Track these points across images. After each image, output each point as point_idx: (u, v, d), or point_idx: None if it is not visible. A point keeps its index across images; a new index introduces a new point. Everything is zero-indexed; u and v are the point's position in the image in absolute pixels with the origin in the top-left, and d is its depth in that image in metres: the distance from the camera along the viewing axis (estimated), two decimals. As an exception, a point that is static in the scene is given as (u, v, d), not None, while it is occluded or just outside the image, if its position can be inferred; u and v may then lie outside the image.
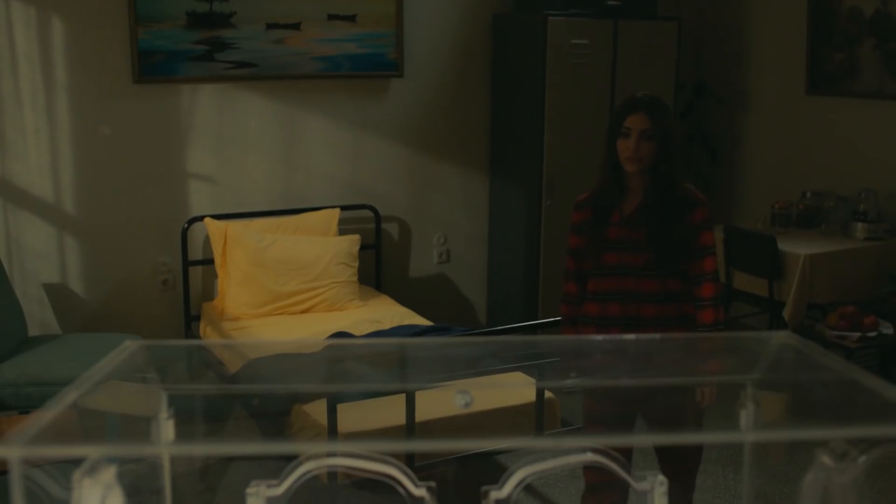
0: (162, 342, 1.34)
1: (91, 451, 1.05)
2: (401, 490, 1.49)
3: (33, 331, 4.60)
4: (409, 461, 2.76)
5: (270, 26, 5.02)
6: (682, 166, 2.96)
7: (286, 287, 4.77)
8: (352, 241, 5.01)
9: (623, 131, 2.86)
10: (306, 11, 5.09)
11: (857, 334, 4.44)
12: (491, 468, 3.40)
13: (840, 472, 1.26)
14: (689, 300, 2.98)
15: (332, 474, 2.58)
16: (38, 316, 4.76)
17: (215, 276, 4.97)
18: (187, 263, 4.97)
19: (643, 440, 0.97)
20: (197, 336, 4.88)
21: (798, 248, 4.80)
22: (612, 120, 2.94)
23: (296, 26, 5.08)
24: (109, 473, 1.23)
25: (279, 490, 1.48)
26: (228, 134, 5.06)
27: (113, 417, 1.47)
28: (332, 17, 5.16)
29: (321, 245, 4.91)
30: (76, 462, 1.21)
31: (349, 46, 5.23)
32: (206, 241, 5.00)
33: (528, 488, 3.70)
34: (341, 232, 5.13)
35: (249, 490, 1.47)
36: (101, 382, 1.28)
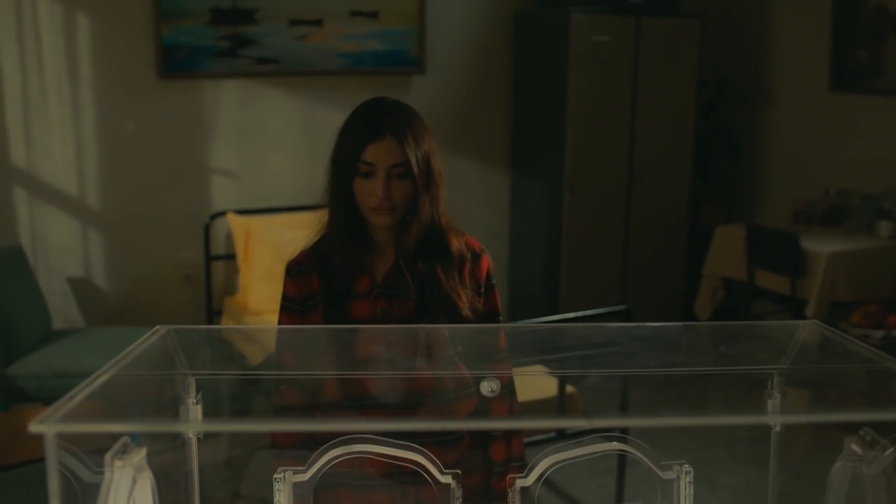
0: (191, 327, 1.35)
1: (123, 428, 1.07)
2: (427, 477, 1.49)
3: (57, 324, 4.64)
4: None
5: (293, 23, 5.04)
6: (445, 201, 1.99)
7: (308, 282, 4.78)
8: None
9: (363, 169, 1.87)
10: (329, 8, 5.11)
11: (881, 333, 4.41)
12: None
13: (870, 461, 1.26)
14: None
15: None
16: (63, 309, 4.80)
17: (237, 271, 4.99)
18: (210, 258, 5.00)
19: (669, 422, 0.96)
20: (217, 335, 4.90)
21: (821, 246, 4.77)
22: (343, 150, 1.92)
23: (318, 23, 5.10)
24: (140, 455, 1.24)
25: (305, 476, 1.49)
26: (251, 130, 5.09)
27: (139, 404, 1.48)
28: (354, 14, 5.18)
29: (343, 241, 4.92)
30: (103, 453, 1.22)
31: (371, 43, 5.25)
32: (229, 236, 5.03)
33: (551, 484, 3.70)
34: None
35: (276, 475, 1.48)
36: (130, 366, 1.29)
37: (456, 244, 1.98)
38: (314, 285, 1.96)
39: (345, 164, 1.91)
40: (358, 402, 1.87)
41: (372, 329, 1.81)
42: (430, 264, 1.94)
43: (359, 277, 1.95)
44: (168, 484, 1.39)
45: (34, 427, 0.96)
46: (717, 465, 3.96)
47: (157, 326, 1.37)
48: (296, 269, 2.00)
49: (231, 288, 5.13)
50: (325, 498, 1.69)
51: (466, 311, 1.92)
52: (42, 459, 2.86)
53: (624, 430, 1.56)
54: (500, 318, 2.02)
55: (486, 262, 2.04)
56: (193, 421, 1.39)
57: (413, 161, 1.88)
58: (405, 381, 1.81)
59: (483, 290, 2.00)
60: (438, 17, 5.38)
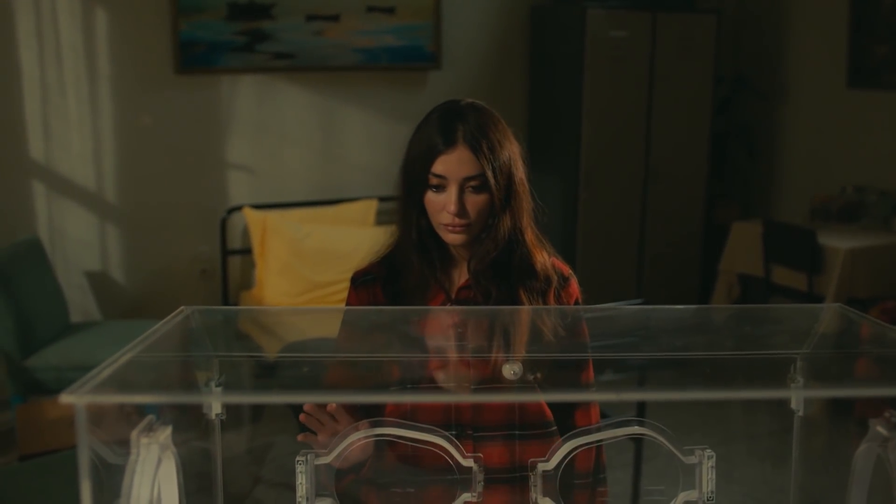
0: (215, 308, 1.36)
1: (150, 399, 1.07)
2: (449, 461, 1.50)
3: (75, 317, 4.66)
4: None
5: (310, 18, 5.05)
6: (530, 214, 1.81)
7: (324, 277, 4.79)
8: (386, 235, 5.00)
9: (433, 182, 1.70)
10: (345, 3, 5.12)
11: (899, 329, 4.38)
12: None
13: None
14: (560, 428, 1.77)
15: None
16: (80, 303, 4.82)
17: (253, 265, 5.01)
18: (226, 253, 5.02)
19: (693, 396, 0.93)
20: (234, 328, 4.92)
21: (838, 243, 4.75)
22: (412, 161, 1.74)
23: (335, 18, 5.11)
24: (165, 433, 1.25)
25: (328, 458, 1.50)
26: (267, 124, 5.10)
27: (164, 383, 1.49)
28: (370, 9, 5.18)
29: (359, 236, 4.93)
30: (125, 443, 1.22)
31: (387, 38, 5.25)
32: (245, 230, 5.04)
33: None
34: (379, 223, 5.15)
35: (298, 458, 1.49)
36: (155, 345, 1.30)
37: (540, 262, 1.79)
38: (379, 297, 1.80)
39: (414, 176, 1.72)
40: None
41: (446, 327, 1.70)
42: (511, 283, 1.75)
43: (434, 291, 1.78)
44: (191, 467, 1.40)
45: (65, 398, 0.97)
46: (736, 461, 3.94)
47: (182, 307, 1.38)
48: (361, 280, 1.86)
49: (247, 282, 5.14)
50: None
51: (549, 336, 1.68)
52: (59, 450, 2.87)
53: (642, 417, 1.56)
54: (587, 349, 1.76)
55: (575, 287, 1.83)
56: (218, 393, 1.40)
57: (489, 173, 1.69)
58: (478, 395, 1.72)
59: (570, 320, 1.76)
60: (454, 13, 5.39)
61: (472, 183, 1.69)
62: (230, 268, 5.07)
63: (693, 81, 5.60)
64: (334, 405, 1.55)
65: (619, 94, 5.42)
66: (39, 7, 4.53)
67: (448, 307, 1.76)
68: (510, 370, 1.56)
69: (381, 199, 5.22)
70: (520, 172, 1.77)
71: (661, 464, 3.53)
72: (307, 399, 1.40)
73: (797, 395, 1.32)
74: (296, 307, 4.53)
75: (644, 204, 5.62)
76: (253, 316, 4.78)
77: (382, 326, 1.67)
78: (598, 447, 1.79)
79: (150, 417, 1.23)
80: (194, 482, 1.45)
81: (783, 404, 1.50)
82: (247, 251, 5.06)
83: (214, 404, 1.40)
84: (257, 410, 4.27)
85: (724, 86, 5.99)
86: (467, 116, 1.71)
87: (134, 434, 1.20)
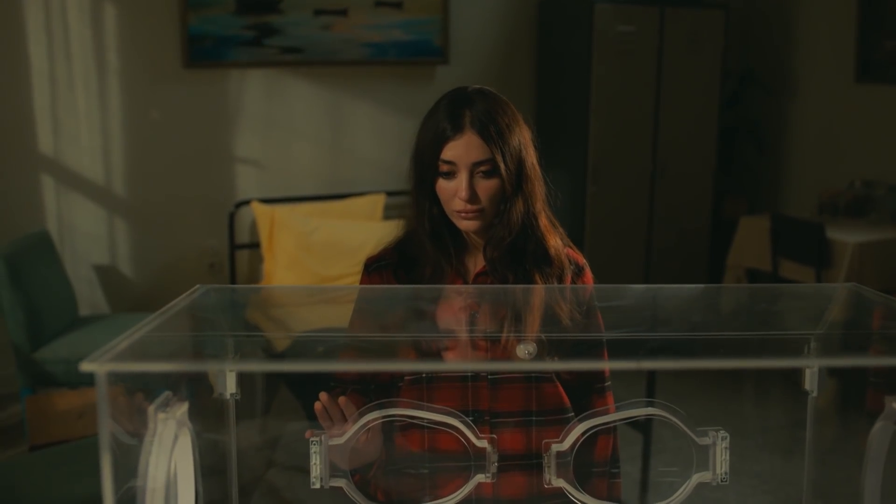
0: (230, 287, 1.36)
1: (169, 367, 1.08)
2: (463, 441, 1.50)
3: (84, 310, 4.68)
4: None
5: (318, 12, 5.06)
6: (543, 199, 1.81)
7: (332, 271, 4.80)
8: (397, 227, 5.01)
9: (443, 168, 1.69)
10: (353, -2, 5.13)
11: (908, 322, 4.37)
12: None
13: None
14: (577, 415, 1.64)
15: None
16: (88, 296, 4.83)
17: (261, 259, 5.01)
18: (234, 247, 5.02)
19: (691, 364, 0.91)
20: (243, 320, 4.93)
21: (847, 237, 4.74)
22: (422, 148, 1.72)
23: (343, 12, 5.11)
24: (182, 409, 1.25)
25: (342, 439, 1.50)
26: (276, 119, 5.11)
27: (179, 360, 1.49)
28: (378, 4, 5.19)
29: (367, 230, 4.94)
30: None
31: (395, 33, 5.26)
32: (253, 224, 5.05)
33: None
34: (387, 217, 5.15)
35: (312, 438, 1.49)
36: (170, 322, 1.30)
37: (553, 248, 1.78)
38: (392, 283, 1.80)
39: (424, 163, 1.71)
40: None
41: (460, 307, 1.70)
42: (526, 269, 1.74)
43: (448, 279, 1.75)
44: (205, 450, 1.40)
45: (86, 366, 0.97)
46: (747, 455, 3.94)
47: (197, 285, 1.38)
48: (374, 266, 1.83)
49: (255, 276, 5.15)
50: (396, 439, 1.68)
51: (566, 321, 1.67)
52: (68, 441, 2.86)
53: (651, 398, 1.55)
54: (603, 340, 1.74)
55: (590, 277, 1.82)
56: (233, 361, 1.40)
57: (499, 158, 1.67)
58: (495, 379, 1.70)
59: (585, 308, 1.72)
60: (462, 7, 5.39)
61: (482, 168, 1.68)
62: (238, 262, 5.08)
63: (701, 76, 5.60)
64: (345, 399, 1.55)
65: (627, 88, 5.42)
66: (48, 2, 4.54)
67: (463, 286, 1.76)
68: (524, 350, 1.56)
69: (389, 194, 5.23)
70: (531, 157, 1.76)
71: (669, 456, 3.53)
72: (322, 368, 1.40)
73: (810, 364, 1.31)
74: (311, 286, 4.53)
75: (652, 198, 5.61)
76: (265, 305, 4.80)
77: (395, 308, 1.66)
78: (613, 437, 1.79)
79: (167, 393, 1.23)
80: (208, 465, 1.45)
81: (796, 393, 1.49)
82: (255, 245, 5.07)
83: (229, 382, 1.40)
84: (269, 398, 4.27)
85: (732, 81, 5.99)
86: (475, 102, 1.70)
87: (151, 409, 1.20)
